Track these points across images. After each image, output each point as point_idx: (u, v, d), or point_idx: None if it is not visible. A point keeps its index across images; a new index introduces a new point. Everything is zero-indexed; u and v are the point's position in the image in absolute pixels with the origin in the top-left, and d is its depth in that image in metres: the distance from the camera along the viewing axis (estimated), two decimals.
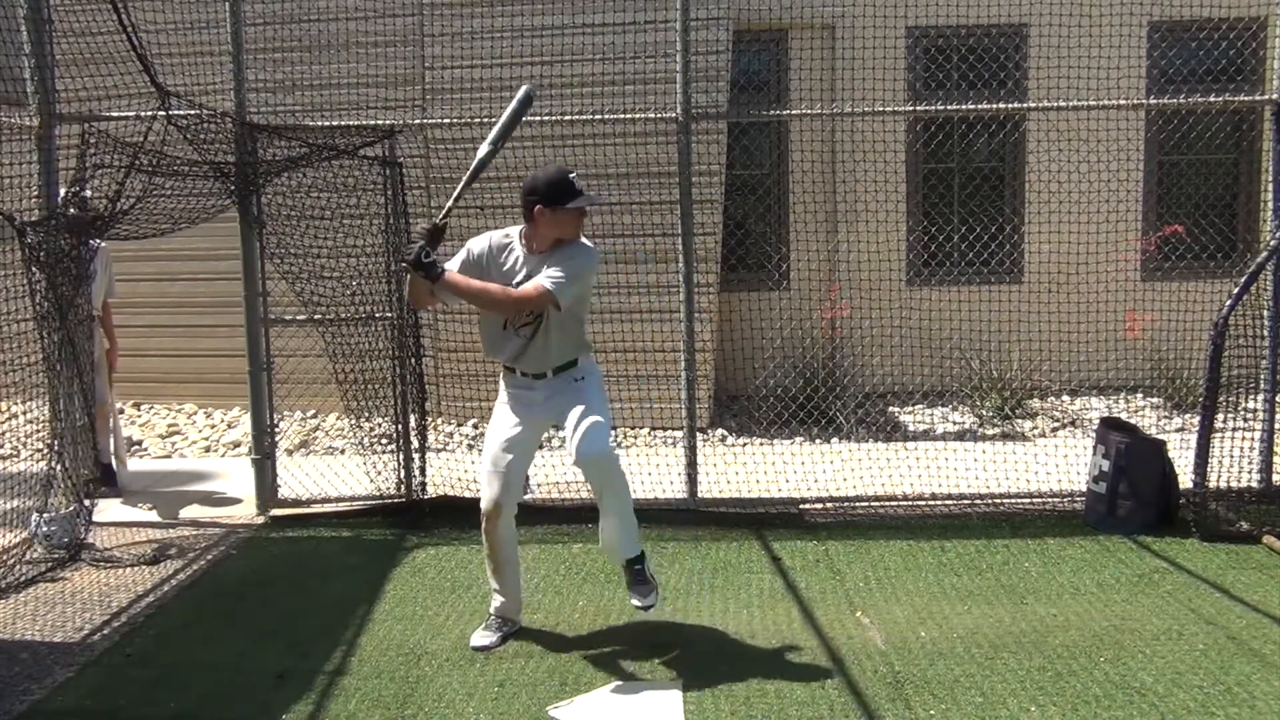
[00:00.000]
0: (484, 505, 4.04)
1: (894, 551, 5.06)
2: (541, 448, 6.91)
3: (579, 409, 3.91)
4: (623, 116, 6.27)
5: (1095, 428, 5.58)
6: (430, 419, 6.88)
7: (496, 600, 4.17)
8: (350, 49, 7.72)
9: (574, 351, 3.98)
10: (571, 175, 3.85)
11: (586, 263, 3.90)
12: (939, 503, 5.78)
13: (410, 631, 4.22)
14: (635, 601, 4.05)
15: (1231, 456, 5.25)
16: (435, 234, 3.80)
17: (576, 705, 3.54)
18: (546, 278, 3.79)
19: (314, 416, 8.19)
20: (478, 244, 3.99)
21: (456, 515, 5.65)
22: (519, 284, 3.87)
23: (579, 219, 3.90)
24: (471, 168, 3.90)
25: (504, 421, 4.03)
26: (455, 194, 3.88)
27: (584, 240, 3.95)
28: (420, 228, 3.82)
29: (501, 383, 4.10)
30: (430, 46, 7.77)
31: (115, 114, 5.49)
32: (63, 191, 5.20)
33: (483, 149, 3.93)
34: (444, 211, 3.88)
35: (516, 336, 3.94)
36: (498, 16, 7.52)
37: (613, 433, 4.17)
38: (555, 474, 6.04)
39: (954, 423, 7.78)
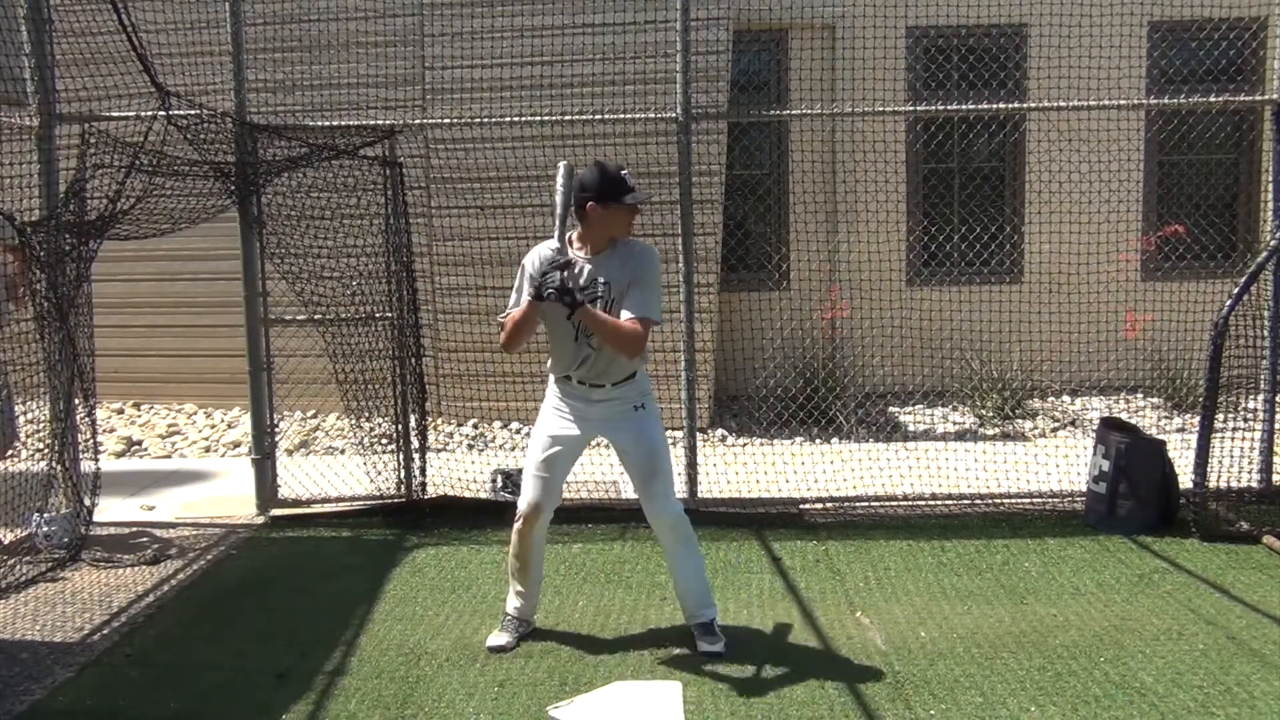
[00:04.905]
0: (522, 507, 3.96)
1: (894, 551, 5.06)
2: None
3: (646, 453, 3.87)
4: (623, 116, 6.27)
5: (1095, 428, 5.58)
6: (430, 419, 6.88)
7: (515, 601, 4.12)
8: (350, 49, 7.72)
9: (635, 364, 3.87)
10: (624, 172, 3.78)
11: (656, 268, 3.81)
12: (939, 503, 5.78)
13: (410, 631, 4.22)
14: (706, 647, 3.91)
15: (1231, 456, 5.25)
16: (569, 265, 3.65)
17: (576, 705, 3.54)
18: (640, 309, 3.71)
19: (314, 416, 8.19)
20: (531, 261, 3.84)
21: (456, 515, 5.66)
22: (585, 289, 3.73)
23: (631, 215, 3.80)
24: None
25: (553, 426, 3.94)
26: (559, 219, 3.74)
27: (635, 240, 3.86)
28: (552, 258, 3.66)
29: (551, 389, 3.99)
30: (430, 46, 7.78)
31: (115, 114, 5.49)
32: (63, 190, 5.20)
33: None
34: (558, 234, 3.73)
35: (589, 346, 3.82)
36: (498, 16, 7.53)
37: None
38: None
39: (954, 423, 7.78)
